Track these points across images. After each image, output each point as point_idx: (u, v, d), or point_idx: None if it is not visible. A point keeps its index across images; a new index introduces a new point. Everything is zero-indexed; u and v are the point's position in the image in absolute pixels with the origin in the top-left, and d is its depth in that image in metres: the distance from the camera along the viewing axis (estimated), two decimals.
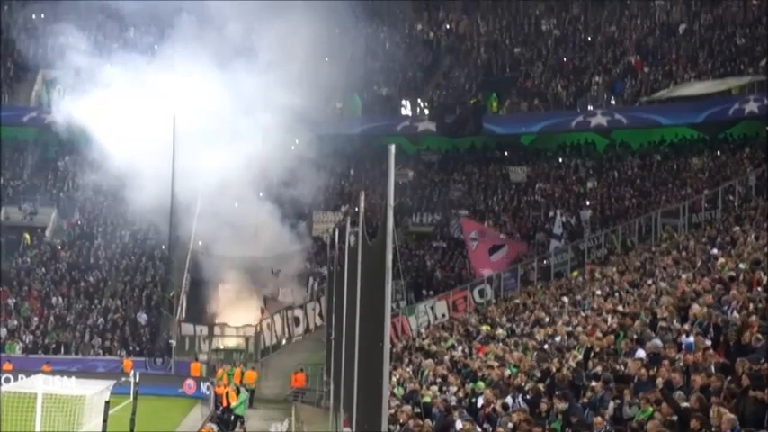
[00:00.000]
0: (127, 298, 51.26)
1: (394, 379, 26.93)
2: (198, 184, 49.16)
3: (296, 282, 50.02)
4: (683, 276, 28.46)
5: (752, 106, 49.82)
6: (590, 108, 56.28)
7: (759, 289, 22.06)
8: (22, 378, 34.85)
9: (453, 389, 24.05)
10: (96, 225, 56.21)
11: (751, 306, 20.21)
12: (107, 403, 23.97)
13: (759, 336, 17.66)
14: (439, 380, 25.88)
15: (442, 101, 60.48)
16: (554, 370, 21.27)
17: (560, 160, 57.25)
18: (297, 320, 47.84)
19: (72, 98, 54.57)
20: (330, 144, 55.26)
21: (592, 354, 22.00)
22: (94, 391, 25.31)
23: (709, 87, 52.19)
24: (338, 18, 54.85)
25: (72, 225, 56.48)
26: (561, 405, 17.78)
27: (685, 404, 15.52)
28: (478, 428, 19.15)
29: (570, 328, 27.47)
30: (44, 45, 61.01)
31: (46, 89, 60.24)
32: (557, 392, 18.69)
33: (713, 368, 16.90)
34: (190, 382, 44.30)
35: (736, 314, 19.96)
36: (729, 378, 15.69)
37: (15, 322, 49.40)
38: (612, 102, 56.84)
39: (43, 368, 39.44)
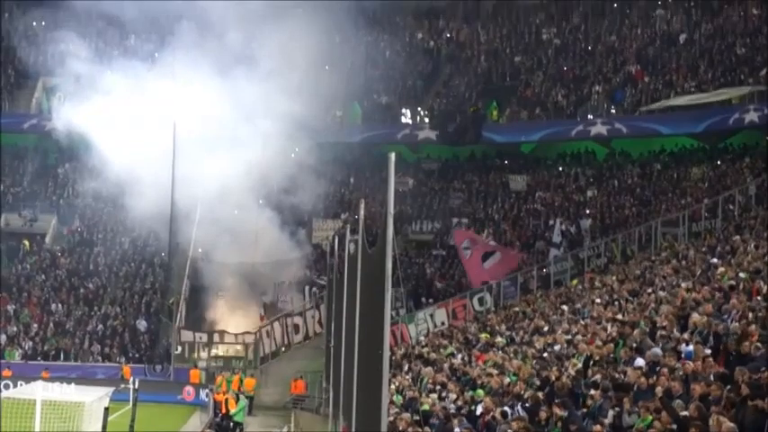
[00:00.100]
0: (126, 305, 51.26)
1: (393, 386, 26.91)
2: (198, 191, 49.19)
3: (295, 289, 50.03)
4: (683, 285, 28.40)
5: (752, 116, 49.82)
6: (590, 117, 56.31)
7: (759, 298, 22.05)
8: (21, 384, 34.61)
9: (452, 397, 24.02)
10: (96, 232, 56.22)
11: (750, 315, 20.20)
12: (106, 410, 24.00)
13: (759, 345, 17.65)
14: (438, 387, 25.84)
15: (442, 109, 60.51)
16: (553, 378, 21.25)
17: (560, 169, 57.26)
18: (296, 328, 47.84)
19: (72, 105, 54.63)
20: (330, 152, 55.30)
21: (591, 362, 21.97)
22: (94, 398, 25.25)
23: (710, 97, 52.23)
24: (338, 26, 55.04)
25: (72, 232, 56.48)
26: (560, 413, 17.77)
27: (684, 413, 15.51)
28: None
29: (570, 337, 27.44)
30: (45, 52, 60.99)
31: (46, 96, 60.30)
32: (556, 401, 18.68)
33: (713, 377, 16.89)
34: (189, 388, 44.30)
35: (735, 323, 19.94)
36: (729, 387, 15.68)
37: (15, 329, 49.38)
38: (613, 111, 56.84)
39: (42, 375, 39.42)
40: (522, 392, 21.28)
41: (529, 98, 59.40)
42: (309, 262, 51.65)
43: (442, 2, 67.23)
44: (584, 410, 18.41)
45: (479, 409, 21.06)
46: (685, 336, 20.89)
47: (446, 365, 29.84)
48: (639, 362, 19.94)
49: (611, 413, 17.38)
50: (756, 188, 42.50)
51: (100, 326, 49.97)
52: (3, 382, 41.50)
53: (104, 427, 23.44)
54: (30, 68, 61.83)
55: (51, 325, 49.91)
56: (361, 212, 21.21)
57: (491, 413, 20.05)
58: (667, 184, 51.89)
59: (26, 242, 55.32)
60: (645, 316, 25.38)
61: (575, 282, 43.15)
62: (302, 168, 51.62)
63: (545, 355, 26.54)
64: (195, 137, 50.24)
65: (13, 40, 62.48)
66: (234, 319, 48.78)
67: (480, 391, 22.98)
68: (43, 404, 24.21)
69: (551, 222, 51.02)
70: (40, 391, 24.58)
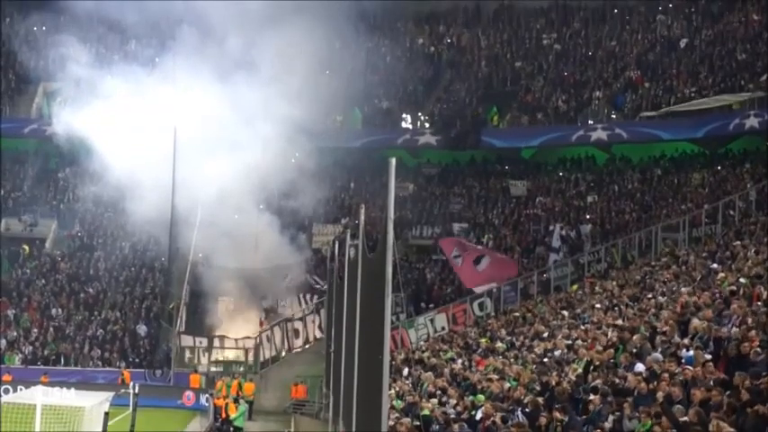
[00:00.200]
0: (126, 309, 51.26)
1: (393, 391, 26.87)
2: (198, 196, 49.13)
3: (296, 293, 50.03)
4: (684, 290, 28.39)
5: (752, 121, 49.86)
6: (590, 122, 56.36)
7: (759, 303, 22.00)
8: (21, 389, 34.74)
9: (453, 401, 24.00)
10: (96, 236, 56.22)
11: (751, 320, 20.17)
12: (106, 414, 23.98)
13: (759, 350, 17.64)
14: (438, 392, 25.81)
15: (442, 114, 60.53)
16: (553, 383, 21.24)
17: (561, 174, 57.25)
18: (296, 332, 47.83)
19: (73, 110, 54.58)
20: (330, 156, 55.28)
21: (591, 367, 21.96)
22: (94, 403, 25.25)
23: (710, 103, 52.26)
24: (339, 31, 54.95)
25: (72, 236, 56.50)
26: (561, 418, 17.76)
27: (685, 418, 15.49)
28: None
29: (570, 342, 27.41)
30: (45, 57, 61.06)
31: (47, 101, 60.33)
32: (556, 406, 18.67)
33: (713, 382, 16.88)
34: (189, 393, 44.31)
35: (736, 329, 19.93)
36: (729, 393, 15.67)
37: (15, 333, 49.40)
38: (613, 116, 56.90)
39: (42, 379, 39.34)
40: (523, 397, 21.27)
41: (529, 103, 59.43)
42: (309, 267, 51.65)
43: (443, 7, 67.33)
44: (585, 416, 18.39)
45: (479, 414, 21.04)
46: (686, 341, 20.86)
47: (446, 370, 29.82)
48: (640, 367, 19.92)
49: (611, 418, 17.36)
50: (757, 194, 42.52)
51: (100, 330, 49.98)
52: (3, 387, 41.61)
53: (104, 431, 23.41)
54: (30, 73, 61.91)
55: (51, 330, 49.91)
56: (362, 217, 21.20)
57: (491, 418, 20.02)
58: (668, 190, 51.90)
59: (26, 247, 55.35)
60: (645, 321, 25.36)
61: (575, 287, 43.13)
62: (302, 173, 51.59)
63: (545, 360, 26.50)
64: (195, 141, 50.22)
65: (13, 45, 62.56)
66: (234, 324, 48.77)
67: (480, 396, 22.97)
68: (43, 409, 24.19)
69: (551, 227, 50.99)
70: (41, 396, 24.57)
